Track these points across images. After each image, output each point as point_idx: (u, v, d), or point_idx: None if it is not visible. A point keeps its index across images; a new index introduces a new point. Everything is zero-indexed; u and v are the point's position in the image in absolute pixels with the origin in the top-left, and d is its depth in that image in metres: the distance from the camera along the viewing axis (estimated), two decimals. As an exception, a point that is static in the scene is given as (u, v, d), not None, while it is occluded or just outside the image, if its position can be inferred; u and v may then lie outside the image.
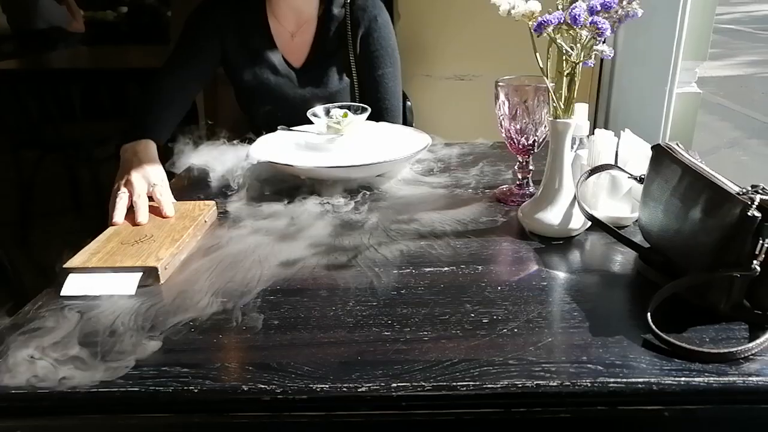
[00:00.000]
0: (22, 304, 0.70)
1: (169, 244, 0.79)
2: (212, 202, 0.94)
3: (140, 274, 0.72)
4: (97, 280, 0.72)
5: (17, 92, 2.88)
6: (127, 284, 0.71)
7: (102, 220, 0.90)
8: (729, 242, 0.60)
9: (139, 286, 0.71)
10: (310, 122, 1.15)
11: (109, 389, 0.55)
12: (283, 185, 1.05)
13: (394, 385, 0.54)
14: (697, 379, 0.54)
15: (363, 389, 0.54)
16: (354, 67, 1.43)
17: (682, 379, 0.54)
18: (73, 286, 0.71)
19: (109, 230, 0.85)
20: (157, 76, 1.32)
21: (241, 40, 1.39)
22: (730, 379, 0.54)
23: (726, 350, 0.57)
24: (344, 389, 0.54)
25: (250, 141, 1.16)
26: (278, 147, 1.12)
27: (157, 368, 0.57)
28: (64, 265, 0.74)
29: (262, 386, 0.54)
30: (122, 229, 0.85)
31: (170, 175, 1.07)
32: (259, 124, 1.35)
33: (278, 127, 1.19)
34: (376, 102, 1.40)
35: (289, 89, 1.41)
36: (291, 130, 1.18)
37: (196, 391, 0.55)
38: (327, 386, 0.54)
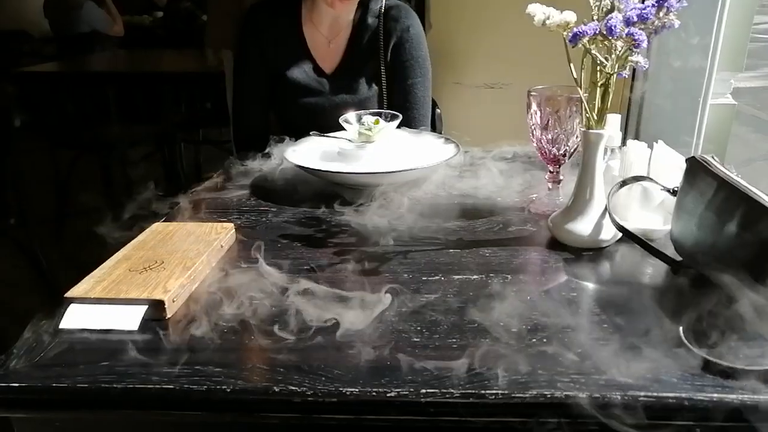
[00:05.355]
0: (55, 298, 0.70)
1: (180, 272, 0.73)
2: (230, 225, 0.89)
3: (145, 307, 0.67)
4: (99, 312, 0.67)
5: (56, 94, 2.97)
6: (130, 318, 0.66)
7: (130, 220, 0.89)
8: (766, 257, 0.59)
9: (146, 319, 0.67)
10: (341, 128, 1.17)
11: (144, 386, 0.56)
12: (312, 190, 1.06)
13: (423, 391, 0.55)
14: (730, 396, 0.53)
15: (392, 394, 0.55)
16: (384, 75, 1.44)
17: (715, 395, 0.53)
18: (73, 317, 0.67)
19: (118, 254, 0.80)
20: (234, 101, 1.49)
21: (276, 45, 1.42)
22: (766, 397, 0.53)
23: (762, 368, 0.56)
24: (373, 394, 0.55)
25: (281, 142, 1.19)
26: (309, 152, 1.14)
27: (190, 367, 0.59)
28: (66, 294, 0.69)
29: (293, 388, 0.55)
30: (132, 253, 0.80)
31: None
32: (287, 125, 1.38)
33: (310, 133, 1.21)
34: (405, 111, 1.41)
35: (320, 94, 1.43)
36: (323, 136, 1.20)
37: (228, 390, 0.56)
38: (357, 390, 0.55)
